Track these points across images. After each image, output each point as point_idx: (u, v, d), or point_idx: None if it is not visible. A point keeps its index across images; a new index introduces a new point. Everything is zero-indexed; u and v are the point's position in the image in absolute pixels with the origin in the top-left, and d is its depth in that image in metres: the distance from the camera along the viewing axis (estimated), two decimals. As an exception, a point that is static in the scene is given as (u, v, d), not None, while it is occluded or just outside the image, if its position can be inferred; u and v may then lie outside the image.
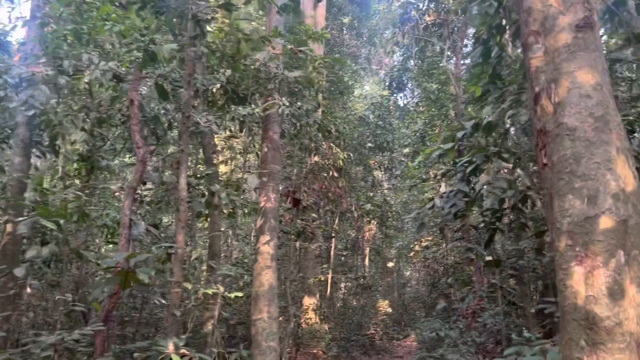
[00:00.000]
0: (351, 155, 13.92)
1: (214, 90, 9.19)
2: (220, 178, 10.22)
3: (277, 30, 8.11)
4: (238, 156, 11.23)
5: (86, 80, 6.77)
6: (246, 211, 13.43)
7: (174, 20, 7.28)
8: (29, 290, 7.90)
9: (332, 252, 14.54)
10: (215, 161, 10.30)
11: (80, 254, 6.16)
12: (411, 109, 21.91)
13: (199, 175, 8.55)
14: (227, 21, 8.28)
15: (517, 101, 6.15)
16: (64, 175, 7.51)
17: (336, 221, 14.99)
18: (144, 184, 7.65)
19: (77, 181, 9.47)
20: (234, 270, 6.93)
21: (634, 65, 5.45)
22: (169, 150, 9.98)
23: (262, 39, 7.46)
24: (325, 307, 13.91)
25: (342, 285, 17.09)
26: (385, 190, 21.44)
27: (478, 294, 10.30)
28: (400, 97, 23.84)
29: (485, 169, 6.92)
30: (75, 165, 9.74)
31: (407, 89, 23.18)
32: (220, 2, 7.16)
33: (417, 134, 18.32)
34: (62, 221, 6.45)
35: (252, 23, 8.21)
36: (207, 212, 8.68)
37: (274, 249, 8.27)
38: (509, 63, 6.78)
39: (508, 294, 10.23)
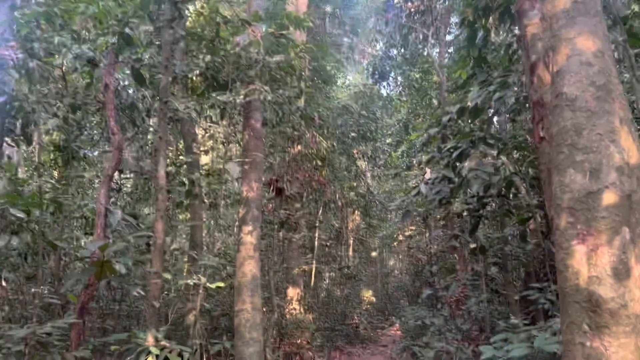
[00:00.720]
0: (335, 144, 13.79)
1: (194, 77, 8.96)
2: (202, 168, 10.02)
3: (258, 14, 7.91)
4: (220, 146, 11.02)
5: (57, 64, 6.49)
6: (229, 202, 13.25)
7: (150, 3, 7.03)
8: (3, 283, 7.65)
9: (316, 242, 14.43)
10: (195, 150, 10.08)
11: (54, 245, 5.93)
12: (394, 98, 21.83)
13: (178, 164, 8.34)
14: (206, 5, 8.05)
15: (504, 84, 6.04)
16: (38, 164, 7.23)
17: (320, 211, 14.87)
18: (121, 172, 7.42)
19: (55, 172, 9.20)
20: (215, 261, 6.76)
21: (620, 48, 5.39)
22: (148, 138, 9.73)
23: (242, 21, 7.25)
24: (309, 298, 13.81)
25: (326, 275, 17.02)
26: (369, 180, 21.39)
27: (462, 282, 10.29)
28: (384, 87, 23.73)
29: (472, 153, 6.83)
30: (52, 155, 9.46)
31: (390, 77, 23.08)
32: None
33: (400, 123, 18.26)
34: (37, 212, 6.22)
35: (233, 7, 7.97)
36: (187, 201, 8.49)
37: (257, 239, 8.13)
38: (494, 47, 6.69)
39: (491, 281, 10.25)
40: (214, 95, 8.30)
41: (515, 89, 6.23)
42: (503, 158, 7.72)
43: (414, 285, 17.97)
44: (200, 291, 6.99)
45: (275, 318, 10.05)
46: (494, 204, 8.99)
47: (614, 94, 2.72)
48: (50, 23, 7.26)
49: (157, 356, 4.87)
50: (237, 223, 10.13)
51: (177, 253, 10.43)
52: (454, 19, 17.08)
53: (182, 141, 10.58)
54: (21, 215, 4.87)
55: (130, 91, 8.59)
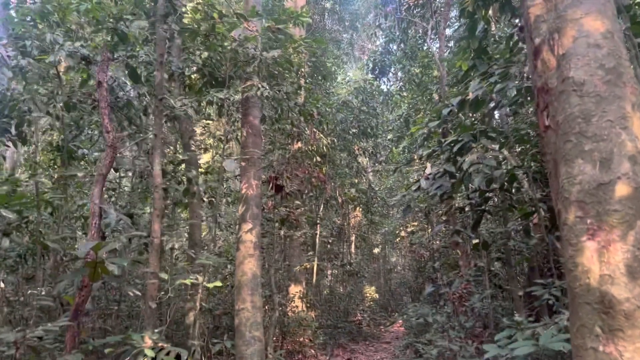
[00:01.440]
0: (335, 141, 13.67)
1: (192, 75, 8.85)
2: (201, 166, 9.91)
3: (255, 9, 7.79)
4: (220, 145, 10.91)
5: (49, 61, 6.39)
6: (230, 200, 13.15)
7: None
8: (2, 285, 7.58)
9: (317, 240, 14.34)
10: (193, 148, 9.98)
11: (47, 246, 5.83)
12: (395, 93, 21.70)
13: (175, 162, 8.23)
14: (202, 0, 7.93)
15: (505, 75, 5.91)
16: (33, 163, 7.13)
17: (321, 208, 14.78)
18: (116, 170, 7.32)
19: (54, 172, 9.09)
20: (213, 260, 6.66)
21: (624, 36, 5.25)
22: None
23: (238, 15, 7.13)
24: (311, 295, 13.73)
25: (329, 272, 16.94)
26: (370, 177, 21.27)
27: (465, 278, 10.18)
28: (384, 82, 23.59)
29: (473, 147, 6.71)
30: (50, 155, 9.36)
31: (390, 72, 22.94)
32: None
33: (401, 119, 18.12)
34: (35, 213, 6.12)
35: (230, 3, 7.86)
36: (186, 200, 8.39)
37: (257, 236, 8.03)
38: (495, 39, 6.56)
39: (494, 277, 10.14)
40: (211, 92, 8.20)
41: (517, 81, 6.12)
42: (505, 151, 7.60)
43: (416, 282, 17.88)
44: (200, 290, 6.89)
45: (277, 316, 9.96)
46: (496, 199, 8.87)
47: (625, 77, 2.51)
48: (45, 20, 7.17)
49: (153, 358, 4.77)
50: (237, 221, 10.04)
51: (177, 252, 10.34)
52: (454, 12, 16.94)
53: (180, 138, 10.48)
54: (11, 215, 4.77)
55: (127, 89, 8.49)
